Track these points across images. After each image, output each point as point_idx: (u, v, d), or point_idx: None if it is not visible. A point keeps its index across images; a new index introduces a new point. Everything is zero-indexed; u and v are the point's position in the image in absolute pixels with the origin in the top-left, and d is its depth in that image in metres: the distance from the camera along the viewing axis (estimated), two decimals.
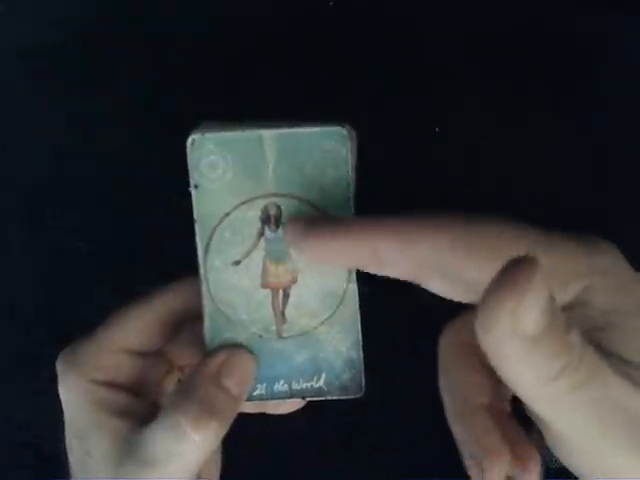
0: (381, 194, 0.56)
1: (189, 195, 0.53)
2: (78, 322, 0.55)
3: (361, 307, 0.35)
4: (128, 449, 0.30)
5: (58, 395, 0.54)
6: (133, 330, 0.34)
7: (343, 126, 0.32)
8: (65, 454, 0.51)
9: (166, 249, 0.55)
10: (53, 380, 0.55)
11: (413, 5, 0.56)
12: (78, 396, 0.34)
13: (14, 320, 0.55)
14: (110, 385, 0.34)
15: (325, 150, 0.31)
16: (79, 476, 0.33)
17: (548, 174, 0.55)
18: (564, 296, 0.28)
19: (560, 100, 0.56)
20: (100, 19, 0.56)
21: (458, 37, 0.56)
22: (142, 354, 0.34)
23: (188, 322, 0.34)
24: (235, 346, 0.32)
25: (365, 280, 0.36)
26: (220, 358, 0.31)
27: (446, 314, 0.54)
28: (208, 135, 0.31)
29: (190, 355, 0.35)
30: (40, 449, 0.54)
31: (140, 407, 0.33)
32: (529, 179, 0.55)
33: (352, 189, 0.32)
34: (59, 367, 0.35)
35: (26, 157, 0.55)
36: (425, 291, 0.52)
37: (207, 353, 0.32)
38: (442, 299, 0.52)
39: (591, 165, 0.56)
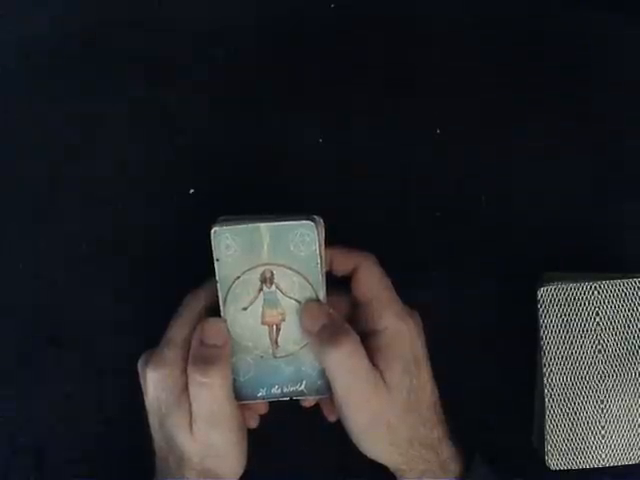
0: (381, 194, 0.56)
1: (188, 197, 0.55)
2: (78, 322, 0.56)
3: None
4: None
5: (58, 396, 0.55)
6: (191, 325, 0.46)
7: (312, 219, 0.43)
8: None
9: (166, 250, 0.55)
10: (53, 381, 0.55)
11: (413, 7, 0.56)
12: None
13: (14, 320, 0.55)
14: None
15: (300, 235, 0.43)
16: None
17: (548, 173, 0.55)
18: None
19: (560, 100, 0.56)
20: (100, 19, 0.56)
21: (458, 38, 0.56)
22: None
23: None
24: (207, 316, 0.45)
25: None
26: (199, 329, 0.45)
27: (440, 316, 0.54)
28: (225, 228, 0.43)
29: None
30: (40, 450, 0.54)
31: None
32: (529, 179, 0.55)
33: (319, 259, 0.44)
34: (146, 360, 0.47)
35: (26, 157, 0.55)
36: (421, 292, 0.53)
37: None
38: (436, 299, 0.52)
39: (591, 164, 0.56)
